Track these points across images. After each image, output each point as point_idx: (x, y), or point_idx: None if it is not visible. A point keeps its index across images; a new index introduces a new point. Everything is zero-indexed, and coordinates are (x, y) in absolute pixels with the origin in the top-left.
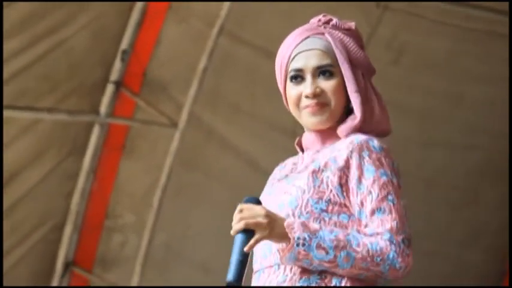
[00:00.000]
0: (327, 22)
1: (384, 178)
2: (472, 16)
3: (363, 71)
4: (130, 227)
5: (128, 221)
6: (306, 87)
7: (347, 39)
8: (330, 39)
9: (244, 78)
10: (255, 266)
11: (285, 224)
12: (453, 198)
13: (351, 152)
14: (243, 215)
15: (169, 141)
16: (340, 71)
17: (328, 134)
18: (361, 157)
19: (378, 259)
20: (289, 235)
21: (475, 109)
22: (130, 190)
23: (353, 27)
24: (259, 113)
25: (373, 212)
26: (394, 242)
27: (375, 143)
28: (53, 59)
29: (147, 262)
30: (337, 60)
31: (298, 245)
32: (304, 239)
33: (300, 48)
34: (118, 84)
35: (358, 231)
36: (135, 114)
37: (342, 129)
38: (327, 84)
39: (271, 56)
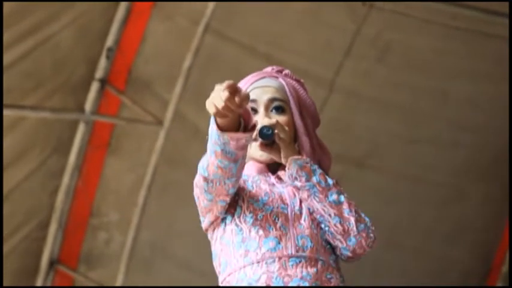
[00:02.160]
0: (280, 71)
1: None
2: (458, 15)
3: (310, 118)
4: (115, 225)
5: (112, 219)
6: (260, 117)
7: (298, 87)
8: (283, 82)
9: (230, 76)
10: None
11: (303, 157)
12: (438, 195)
13: None
14: (276, 121)
15: (155, 139)
16: (291, 111)
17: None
18: None
19: (361, 224)
20: (300, 156)
21: (460, 107)
22: (115, 188)
23: (302, 80)
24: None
25: None
26: (370, 224)
27: None
28: (38, 56)
29: (131, 260)
30: (288, 101)
31: (307, 162)
32: (315, 164)
33: (255, 84)
34: (103, 82)
35: None
36: (120, 112)
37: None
38: (279, 119)
39: (257, 53)
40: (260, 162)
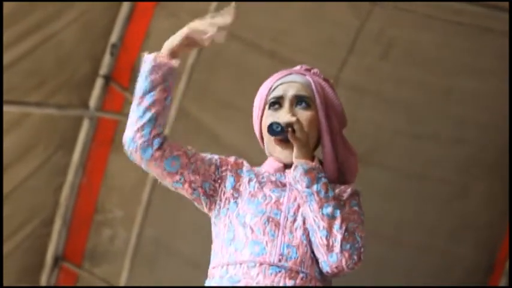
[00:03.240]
0: (308, 69)
1: (362, 218)
2: (461, 10)
3: (336, 118)
4: (119, 221)
5: (117, 216)
6: (283, 113)
7: (325, 85)
8: (310, 79)
9: (233, 73)
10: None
11: (315, 158)
12: (442, 191)
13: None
14: (297, 119)
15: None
16: (316, 109)
17: None
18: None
19: (346, 242)
20: (310, 161)
21: (464, 103)
22: (119, 184)
23: (331, 80)
24: (248, 108)
25: None
26: (359, 245)
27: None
28: (42, 53)
29: (136, 257)
30: (314, 98)
31: (314, 169)
32: (321, 173)
33: (281, 80)
34: (107, 79)
35: None
36: (124, 109)
37: (329, 173)
38: (303, 114)
39: (261, 50)
40: (280, 161)
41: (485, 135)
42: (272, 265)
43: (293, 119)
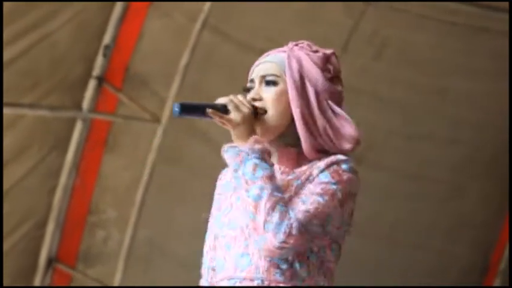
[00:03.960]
0: (297, 44)
1: (332, 187)
2: (455, 10)
3: (315, 88)
4: (113, 222)
5: (110, 217)
6: (249, 95)
7: (306, 58)
8: (285, 55)
9: (227, 74)
10: (218, 274)
11: (252, 138)
12: (438, 191)
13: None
14: (234, 98)
15: (152, 136)
16: (286, 84)
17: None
18: (327, 169)
19: (268, 215)
20: (247, 142)
21: (458, 103)
22: (113, 186)
23: (322, 52)
24: None
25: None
26: (289, 221)
27: (347, 165)
28: (35, 54)
29: (130, 258)
30: (284, 73)
31: (241, 151)
32: (250, 154)
33: (257, 62)
34: (100, 80)
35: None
36: (117, 110)
37: (306, 151)
38: (268, 92)
39: (255, 51)
40: (274, 150)
41: (480, 135)
42: (230, 278)
43: (225, 99)
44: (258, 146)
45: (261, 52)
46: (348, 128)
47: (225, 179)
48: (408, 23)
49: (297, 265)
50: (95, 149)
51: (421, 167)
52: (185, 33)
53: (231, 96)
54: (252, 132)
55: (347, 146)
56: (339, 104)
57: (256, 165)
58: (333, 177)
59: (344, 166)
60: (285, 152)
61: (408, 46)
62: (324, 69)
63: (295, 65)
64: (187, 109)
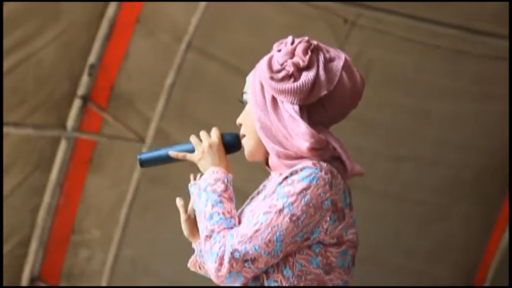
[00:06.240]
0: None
1: (280, 203)
2: (438, 33)
3: (274, 92)
4: (96, 242)
5: (94, 236)
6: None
7: (264, 62)
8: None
9: (212, 94)
10: None
11: (210, 169)
12: (420, 213)
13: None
14: (202, 135)
15: (136, 156)
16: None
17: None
18: (284, 180)
19: (210, 244)
20: (204, 174)
21: (441, 125)
22: (96, 205)
23: (290, 44)
24: (227, 129)
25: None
26: (219, 250)
27: (306, 173)
28: (21, 72)
29: (113, 277)
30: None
31: (196, 184)
32: (205, 182)
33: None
34: (85, 99)
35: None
36: (102, 129)
37: (277, 161)
38: (241, 116)
39: (240, 71)
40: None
41: (463, 157)
42: None
43: (194, 139)
44: (213, 176)
45: (245, 72)
46: (300, 127)
47: None
48: (392, 46)
49: (268, 282)
50: (79, 168)
51: (404, 189)
52: (170, 53)
53: (193, 137)
54: (216, 161)
55: (304, 144)
56: (306, 100)
57: (206, 199)
58: (284, 192)
59: (301, 174)
60: (274, 166)
61: (392, 68)
62: (280, 69)
63: (255, 76)
64: (149, 161)
